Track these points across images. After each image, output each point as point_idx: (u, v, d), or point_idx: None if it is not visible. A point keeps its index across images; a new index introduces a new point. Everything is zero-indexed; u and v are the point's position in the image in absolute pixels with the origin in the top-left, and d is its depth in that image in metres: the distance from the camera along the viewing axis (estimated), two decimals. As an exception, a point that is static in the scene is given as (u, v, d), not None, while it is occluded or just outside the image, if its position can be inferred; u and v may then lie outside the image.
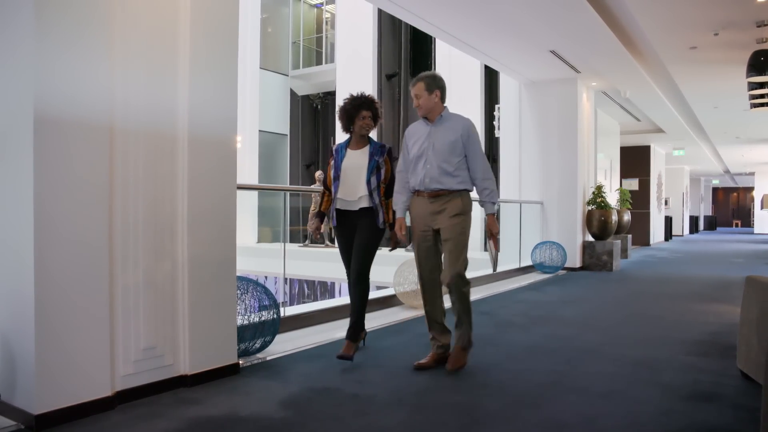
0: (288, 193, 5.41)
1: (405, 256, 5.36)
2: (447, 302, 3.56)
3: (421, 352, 3.67)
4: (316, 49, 18.62)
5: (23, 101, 2.47)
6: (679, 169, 21.74)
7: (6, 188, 2.59)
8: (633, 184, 16.16)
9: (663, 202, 18.61)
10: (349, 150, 3.73)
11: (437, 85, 3.48)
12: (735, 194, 37.85)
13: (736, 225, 35.68)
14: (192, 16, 3.06)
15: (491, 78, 13.38)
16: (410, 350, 3.86)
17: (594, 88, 9.68)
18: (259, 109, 17.12)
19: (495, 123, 10.28)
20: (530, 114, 9.26)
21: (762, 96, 7.21)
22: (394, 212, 3.62)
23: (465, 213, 3.45)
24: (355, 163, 3.66)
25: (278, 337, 3.88)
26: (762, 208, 25.47)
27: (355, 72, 15.35)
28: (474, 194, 3.55)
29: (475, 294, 6.54)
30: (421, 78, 3.50)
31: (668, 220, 19.07)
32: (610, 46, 7.13)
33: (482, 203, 3.55)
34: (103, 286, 2.67)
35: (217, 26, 3.22)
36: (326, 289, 14.28)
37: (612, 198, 11.03)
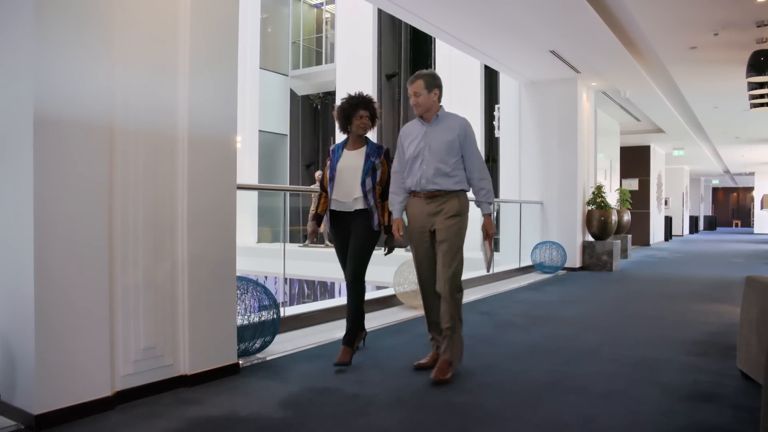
0: (288, 193, 5.41)
1: (405, 256, 5.36)
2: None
3: (421, 352, 3.67)
4: (316, 49, 18.62)
5: (23, 101, 2.47)
6: (679, 169, 21.75)
7: (6, 188, 2.59)
8: (633, 184, 16.16)
9: (663, 202, 18.61)
10: (345, 150, 3.67)
11: (436, 84, 3.42)
12: (735, 194, 37.85)
13: (736, 225, 35.68)
14: (192, 16, 3.06)
15: (491, 78, 13.39)
16: (410, 350, 3.86)
17: (594, 88, 9.68)
18: (259, 109, 17.12)
19: (495, 123, 10.28)
20: (530, 114, 9.27)
21: (762, 96, 7.20)
22: (390, 214, 3.56)
23: (462, 214, 3.39)
24: (351, 164, 3.60)
25: (278, 337, 3.88)
26: (762, 208, 25.47)
27: (355, 72, 15.35)
28: (470, 194, 3.50)
29: (475, 294, 6.54)
30: (421, 76, 3.42)
31: (668, 220, 19.07)
32: (610, 46, 7.13)
33: (478, 203, 3.49)
34: (103, 286, 2.67)
35: (217, 26, 3.22)
36: (326, 289, 14.28)
37: (612, 198, 11.04)
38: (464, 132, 3.40)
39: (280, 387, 3.09)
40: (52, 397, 2.49)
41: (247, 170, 16.24)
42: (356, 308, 3.58)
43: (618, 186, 13.44)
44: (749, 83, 6.93)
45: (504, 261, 8.87)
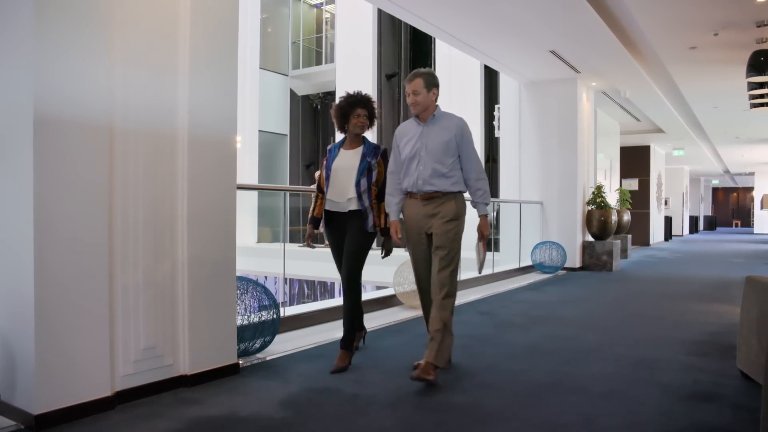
0: (288, 193, 5.40)
1: (405, 256, 5.37)
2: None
3: (421, 352, 3.66)
4: (316, 49, 18.63)
5: (23, 101, 2.47)
6: (678, 169, 21.75)
7: (6, 188, 2.59)
8: (633, 184, 16.16)
9: (663, 202, 18.61)
10: (342, 150, 3.62)
11: (435, 83, 3.37)
12: (735, 194, 37.86)
13: (736, 225, 35.69)
14: (192, 16, 3.06)
15: (491, 78, 13.39)
16: (410, 350, 3.86)
17: (594, 88, 9.68)
18: (259, 109, 17.14)
19: (495, 123, 10.28)
20: (530, 114, 9.27)
21: (762, 96, 7.20)
22: (386, 215, 3.51)
23: (459, 217, 3.33)
24: (347, 164, 3.53)
25: (278, 337, 3.88)
26: (762, 208, 25.48)
27: (355, 72, 15.37)
28: (466, 194, 3.46)
29: (475, 294, 6.54)
30: (420, 74, 3.35)
31: (668, 220, 19.08)
32: (610, 46, 7.13)
33: (475, 204, 3.43)
34: (103, 286, 2.67)
35: (217, 26, 3.22)
36: (326, 289, 14.29)
37: (612, 198, 11.04)
38: (461, 132, 3.34)
39: (280, 387, 3.09)
40: (52, 397, 2.49)
41: (247, 170, 16.25)
42: (352, 311, 3.52)
43: (618, 186, 13.45)
44: (749, 83, 6.94)
45: (504, 261, 8.87)
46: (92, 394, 2.62)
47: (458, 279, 3.60)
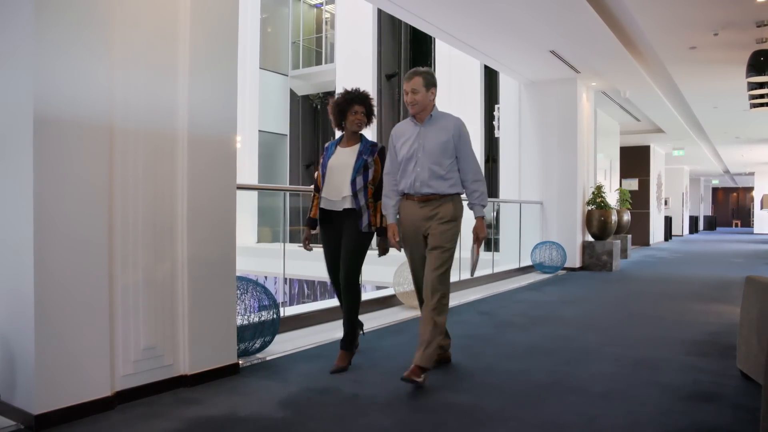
0: (288, 193, 5.40)
1: (404, 256, 5.37)
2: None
3: (421, 352, 3.67)
4: (316, 49, 18.64)
5: (23, 101, 2.47)
6: (678, 169, 21.75)
7: (6, 188, 2.59)
8: (633, 184, 16.17)
9: (663, 202, 18.61)
10: (338, 147, 3.54)
11: (434, 83, 3.31)
12: (735, 194, 37.86)
13: (736, 225, 35.69)
14: (192, 16, 3.06)
15: (491, 78, 13.40)
16: (410, 350, 3.84)
17: (594, 88, 9.68)
18: (259, 109, 17.14)
19: (495, 123, 10.28)
20: (530, 114, 9.27)
21: (762, 96, 7.20)
22: (383, 215, 3.44)
23: (456, 219, 3.28)
24: (343, 162, 3.45)
25: (278, 337, 3.88)
26: (762, 208, 25.48)
27: (354, 72, 15.37)
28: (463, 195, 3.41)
29: (475, 294, 6.54)
30: (420, 73, 3.29)
31: (668, 220, 19.08)
32: (609, 46, 7.13)
33: (471, 206, 3.37)
34: (102, 286, 2.67)
35: (217, 26, 3.22)
36: (326, 289, 14.29)
37: (612, 198, 11.04)
38: (459, 132, 3.29)
39: (279, 387, 3.09)
40: (51, 397, 2.49)
41: (247, 170, 16.25)
42: (351, 312, 3.48)
43: (618, 186, 13.45)
44: (749, 83, 6.93)
45: (504, 261, 8.87)
46: (92, 394, 2.62)
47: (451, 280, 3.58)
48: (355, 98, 3.50)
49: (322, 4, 18.80)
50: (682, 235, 22.22)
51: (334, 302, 5.08)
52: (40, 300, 2.45)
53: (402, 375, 3.04)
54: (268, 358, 3.63)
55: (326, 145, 3.66)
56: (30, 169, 2.44)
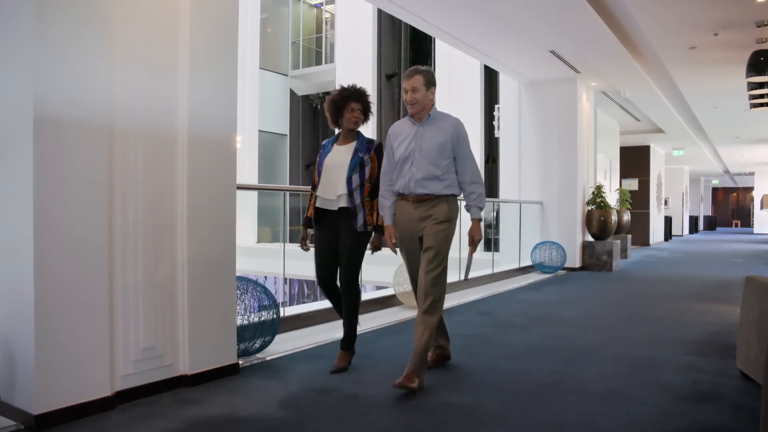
0: (288, 193, 5.40)
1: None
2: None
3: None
4: (316, 49, 18.64)
5: (23, 101, 2.47)
6: (678, 169, 21.75)
7: (6, 188, 2.59)
8: (633, 184, 16.17)
9: (663, 202, 18.62)
10: (335, 145, 3.49)
11: (434, 82, 3.25)
12: (735, 194, 37.87)
13: (736, 225, 35.70)
14: (192, 16, 3.06)
15: (491, 78, 13.40)
16: (410, 350, 3.83)
17: (594, 88, 9.68)
18: (259, 109, 17.14)
19: (495, 123, 10.29)
20: (530, 114, 9.27)
21: (762, 96, 7.21)
22: (379, 213, 3.39)
23: (451, 220, 3.21)
24: (338, 160, 3.40)
25: (278, 337, 3.88)
26: (762, 208, 25.49)
27: (355, 72, 15.36)
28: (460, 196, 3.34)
29: (475, 294, 6.54)
30: (420, 71, 3.22)
31: (668, 220, 19.08)
32: (609, 46, 7.13)
33: (468, 208, 3.29)
34: (102, 286, 2.67)
35: (217, 26, 3.22)
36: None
37: (612, 198, 11.04)
38: (457, 133, 3.22)
39: (279, 387, 3.09)
40: (51, 397, 2.49)
41: (247, 170, 16.25)
42: (352, 312, 3.46)
43: (618, 186, 13.45)
44: (749, 83, 6.94)
45: (504, 261, 8.87)
46: (92, 394, 2.62)
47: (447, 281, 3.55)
48: (352, 95, 3.44)
49: (322, 4, 18.80)
50: (682, 235, 22.22)
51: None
52: (40, 300, 2.45)
53: (395, 382, 2.98)
54: (268, 358, 3.63)
55: (323, 142, 3.62)
56: (30, 169, 2.44)
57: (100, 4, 2.65)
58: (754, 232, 26.50)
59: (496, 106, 10.17)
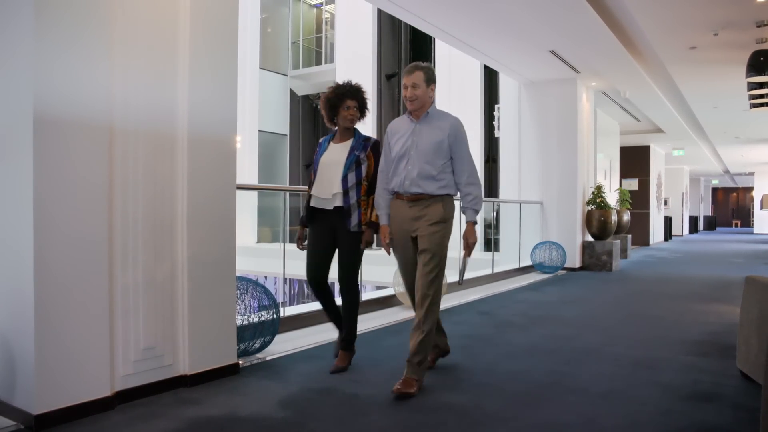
0: (288, 193, 5.40)
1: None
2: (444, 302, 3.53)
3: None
4: (316, 49, 18.64)
5: (23, 101, 2.47)
6: (678, 169, 21.76)
7: (6, 188, 2.59)
8: (633, 184, 16.17)
9: (662, 202, 18.62)
10: (331, 143, 3.44)
11: (434, 79, 3.19)
12: (735, 194, 37.87)
13: (736, 225, 35.71)
14: (192, 16, 3.06)
15: (491, 78, 13.40)
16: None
17: (594, 88, 9.68)
18: (259, 109, 17.14)
19: (495, 123, 10.29)
20: (530, 114, 9.27)
21: (761, 96, 7.21)
22: (375, 210, 3.32)
23: (446, 220, 3.14)
24: (334, 158, 3.35)
25: (278, 337, 3.87)
26: (761, 208, 25.49)
27: (354, 72, 15.34)
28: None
29: (475, 294, 6.54)
30: (421, 67, 3.15)
31: (668, 220, 19.08)
32: (609, 46, 7.13)
33: (463, 209, 3.21)
34: (102, 286, 2.67)
35: (217, 26, 3.22)
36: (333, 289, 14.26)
37: (612, 198, 11.04)
38: (454, 132, 3.16)
39: (279, 387, 3.09)
40: (51, 397, 2.49)
41: (247, 170, 16.26)
42: (351, 312, 3.45)
43: (618, 186, 13.45)
44: (749, 83, 6.94)
45: (504, 261, 8.87)
46: (92, 394, 2.62)
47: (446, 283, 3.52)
48: (347, 92, 3.38)
49: (322, 4, 18.80)
50: (682, 235, 22.22)
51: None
52: (40, 300, 2.45)
53: (393, 388, 2.95)
54: (267, 358, 3.63)
55: (320, 140, 3.58)
56: (30, 169, 2.44)
57: (100, 4, 2.65)
58: (754, 232, 26.50)
59: (496, 106, 10.17)
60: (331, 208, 3.35)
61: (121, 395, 2.77)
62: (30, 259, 2.44)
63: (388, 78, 15.72)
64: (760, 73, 6.50)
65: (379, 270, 6.51)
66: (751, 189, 30.85)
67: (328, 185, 3.34)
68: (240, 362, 3.40)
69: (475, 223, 3.21)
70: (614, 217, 9.36)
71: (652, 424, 2.61)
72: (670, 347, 4.07)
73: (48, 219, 2.48)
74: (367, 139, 3.44)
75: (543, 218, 9.12)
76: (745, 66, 6.68)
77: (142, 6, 2.86)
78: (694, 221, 26.26)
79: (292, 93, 18.28)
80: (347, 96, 3.38)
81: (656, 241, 17.46)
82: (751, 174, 26.33)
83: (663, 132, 14.18)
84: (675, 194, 21.60)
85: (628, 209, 11.38)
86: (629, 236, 12.18)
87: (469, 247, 3.21)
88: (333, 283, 3.56)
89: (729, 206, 38.03)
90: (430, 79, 3.18)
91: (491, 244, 9.17)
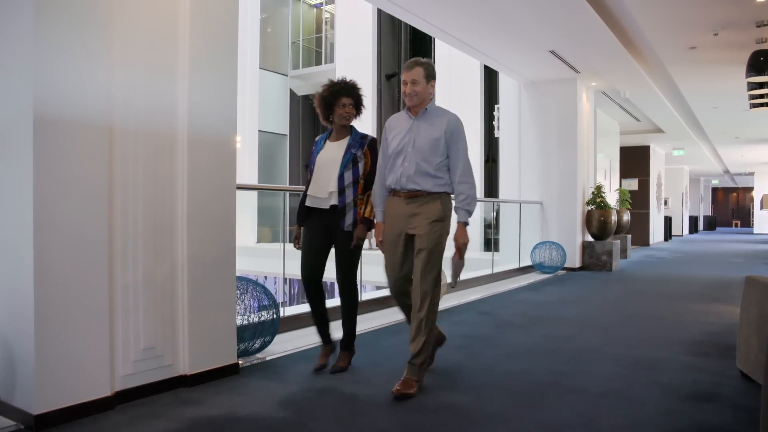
0: (288, 193, 5.39)
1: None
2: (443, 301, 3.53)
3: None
4: (316, 49, 18.63)
5: (23, 101, 2.47)
6: (678, 169, 21.75)
7: (6, 188, 2.59)
8: (632, 184, 16.17)
9: (662, 202, 18.62)
10: (327, 142, 3.40)
11: (434, 75, 3.14)
12: (734, 194, 37.87)
13: (736, 225, 35.70)
14: (192, 16, 3.06)
15: (491, 78, 13.40)
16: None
17: (594, 88, 9.68)
18: (259, 109, 17.14)
19: (494, 123, 10.29)
20: (530, 114, 9.27)
21: (761, 96, 7.21)
22: (372, 206, 3.28)
23: (444, 219, 3.09)
24: (330, 157, 3.31)
25: (278, 337, 3.87)
26: (761, 208, 25.49)
27: (354, 72, 15.29)
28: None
29: (475, 294, 6.53)
30: (421, 63, 3.11)
31: (668, 220, 19.08)
32: (609, 46, 7.13)
33: (456, 209, 3.13)
34: (102, 286, 2.67)
35: (217, 26, 3.22)
36: (325, 290, 14.26)
37: (611, 198, 11.05)
38: (452, 130, 3.10)
39: (279, 387, 3.09)
40: (51, 397, 2.49)
41: (247, 170, 16.25)
42: (351, 312, 3.44)
43: (618, 186, 13.45)
44: (749, 83, 6.94)
45: (504, 261, 8.87)
46: (92, 394, 2.62)
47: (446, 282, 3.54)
48: (342, 90, 3.33)
49: (322, 4, 18.80)
50: (681, 235, 22.22)
51: (334, 302, 5.07)
52: (40, 300, 2.45)
53: (393, 389, 2.94)
54: (267, 358, 3.63)
55: (316, 139, 3.53)
56: (30, 169, 2.44)
57: (100, 4, 2.65)
58: (754, 232, 26.50)
59: (496, 106, 10.16)
60: (327, 207, 3.32)
61: (121, 395, 2.77)
62: (30, 259, 2.44)
63: (388, 78, 15.72)
64: (760, 73, 6.50)
65: (379, 270, 6.50)
66: (751, 189, 30.85)
67: (324, 184, 3.30)
68: (240, 362, 3.40)
69: (466, 224, 3.12)
70: (614, 217, 9.36)
71: (652, 424, 2.61)
72: (670, 347, 4.07)
73: (48, 219, 2.48)
74: (364, 136, 3.40)
75: (543, 218, 9.12)
76: (745, 66, 6.68)
77: (142, 6, 2.86)
78: (694, 221, 26.26)
79: (292, 93, 18.28)
80: (342, 93, 3.33)
81: (656, 241, 17.46)
82: (751, 174, 26.34)
83: (663, 132, 14.18)
84: (675, 194, 21.60)
85: (628, 209, 11.38)
86: (629, 236, 12.18)
87: (460, 249, 3.12)
88: (327, 283, 3.55)
89: (729, 206, 38.03)
90: (430, 76, 3.14)
91: (491, 244, 9.16)
